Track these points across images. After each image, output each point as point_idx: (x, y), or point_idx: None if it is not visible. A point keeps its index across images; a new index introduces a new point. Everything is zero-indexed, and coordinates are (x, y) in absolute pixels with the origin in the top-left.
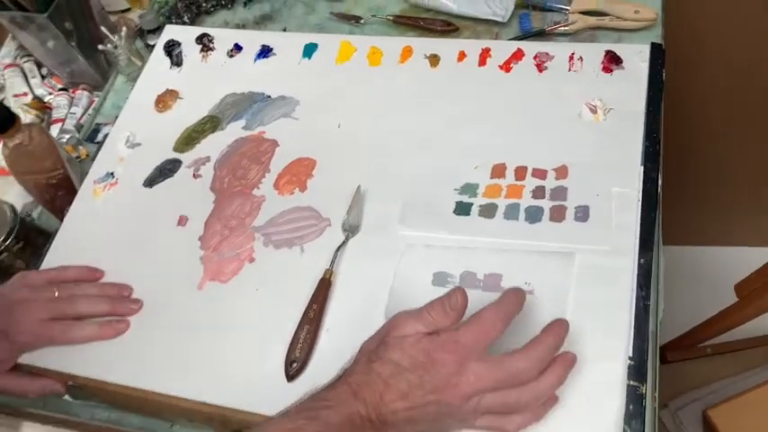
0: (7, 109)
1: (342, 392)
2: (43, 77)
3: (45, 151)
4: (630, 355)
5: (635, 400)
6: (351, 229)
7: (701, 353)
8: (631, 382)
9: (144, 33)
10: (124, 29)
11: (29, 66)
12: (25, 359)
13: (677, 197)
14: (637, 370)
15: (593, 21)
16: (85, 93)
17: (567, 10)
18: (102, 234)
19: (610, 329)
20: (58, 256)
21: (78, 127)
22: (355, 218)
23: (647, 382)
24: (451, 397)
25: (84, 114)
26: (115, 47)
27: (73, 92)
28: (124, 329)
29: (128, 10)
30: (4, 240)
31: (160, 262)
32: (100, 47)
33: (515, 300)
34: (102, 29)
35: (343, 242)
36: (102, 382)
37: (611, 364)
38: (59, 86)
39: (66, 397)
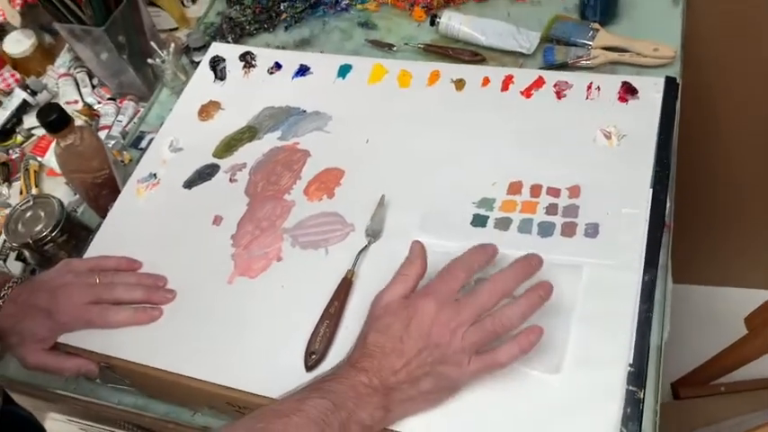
0: (63, 111)
1: (343, 368)
2: (93, 87)
3: (93, 152)
4: (631, 362)
5: (633, 403)
6: (373, 234)
7: (715, 390)
8: (630, 387)
9: (190, 51)
10: (172, 45)
11: (81, 76)
12: (63, 339)
13: (691, 237)
14: (636, 376)
15: (614, 56)
16: (132, 103)
17: (589, 45)
18: (142, 229)
19: (612, 338)
20: (99, 248)
21: (123, 134)
22: (378, 224)
23: (645, 388)
24: (437, 335)
25: (129, 122)
26: (163, 61)
27: (120, 102)
28: (158, 316)
29: (175, 29)
30: (51, 231)
31: (194, 257)
32: (149, 60)
33: (479, 254)
34: (152, 44)
35: (366, 246)
36: (134, 363)
37: (612, 370)
38: (108, 96)
39: (97, 381)
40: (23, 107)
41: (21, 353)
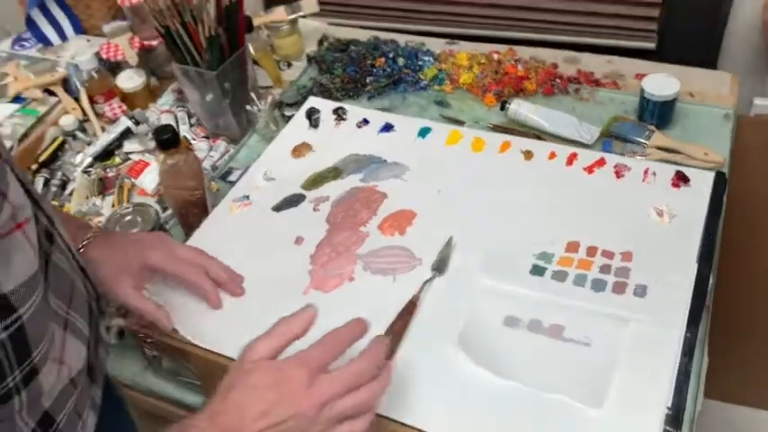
0: (176, 133)
1: (201, 419)
2: (191, 125)
3: (193, 174)
4: (669, 405)
5: None
6: (438, 269)
7: None
8: (667, 428)
9: (282, 105)
10: (269, 98)
11: (181, 114)
12: None
13: (725, 356)
14: (673, 419)
15: (666, 156)
16: (224, 143)
17: (645, 144)
18: (231, 240)
19: (653, 383)
20: None
21: (213, 167)
22: (444, 261)
23: (681, 430)
24: (308, 407)
25: (220, 159)
26: (258, 110)
27: (213, 141)
28: (219, 305)
29: (270, 87)
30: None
31: (275, 269)
32: (247, 107)
33: (355, 329)
34: (252, 95)
35: (431, 278)
36: (210, 352)
37: (651, 410)
38: (202, 135)
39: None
40: (126, 134)
41: (112, 286)
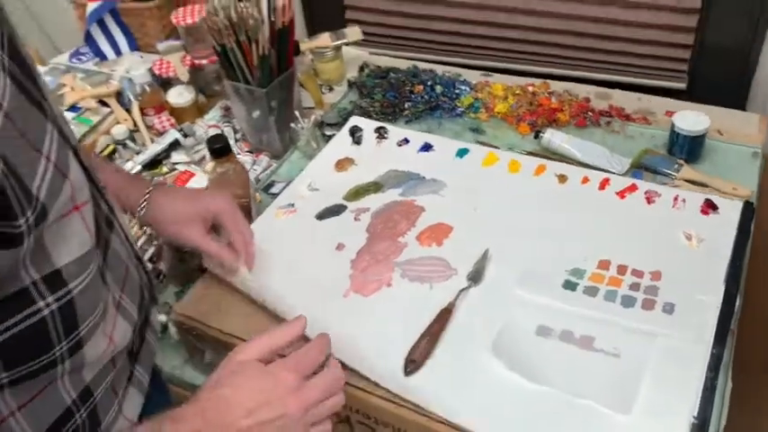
0: (228, 143)
1: (189, 410)
2: (236, 141)
3: (240, 182)
4: (695, 414)
5: None
6: (474, 279)
7: None
8: None
9: (323, 125)
10: (312, 117)
11: (227, 129)
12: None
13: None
14: (699, 428)
15: (694, 189)
16: (266, 158)
17: (674, 176)
18: (275, 244)
19: (679, 394)
20: None
21: (256, 180)
22: (479, 272)
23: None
24: (295, 410)
25: (262, 172)
26: (302, 128)
27: (256, 155)
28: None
29: (312, 108)
30: None
31: (317, 273)
32: (291, 125)
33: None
34: (296, 113)
35: (466, 287)
36: None
37: (677, 418)
38: (246, 149)
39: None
40: (174, 145)
41: (182, 230)
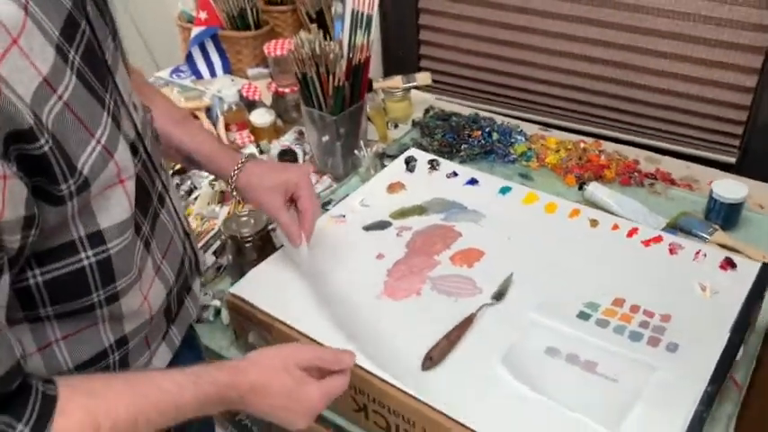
0: (296, 156)
1: (229, 386)
2: (304, 161)
3: None
4: None
5: None
6: (497, 298)
7: None
8: None
9: (384, 156)
10: (375, 147)
11: (298, 150)
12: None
13: None
14: None
15: (726, 253)
16: (328, 179)
17: (707, 239)
18: (324, 246)
19: (668, 422)
20: (283, 255)
21: (317, 196)
22: (502, 292)
23: None
24: (302, 425)
25: (322, 191)
26: (364, 156)
27: (320, 176)
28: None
29: (377, 141)
30: (256, 234)
31: (357, 275)
32: (355, 152)
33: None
34: (361, 142)
35: (489, 303)
36: (293, 329)
37: None
38: (312, 170)
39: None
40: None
41: (266, 198)
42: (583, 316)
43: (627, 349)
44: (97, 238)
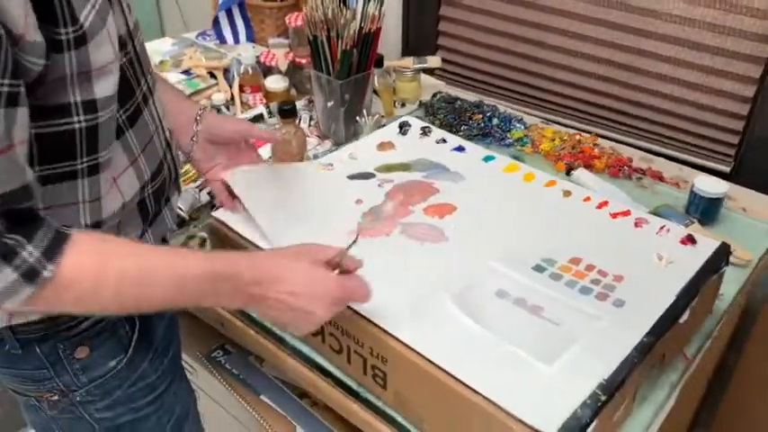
0: (295, 107)
1: (247, 256)
2: (309, 126)
3: (298, 142)
4: (606, 378)
5: (594, 398)
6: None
7: None
8: (597, 391)
9: (384, 126)
10: (376, 116)
11: (305, 116)
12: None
13: None
14: (605, 388)
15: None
16: (330, 143)
17: None
18: (308, 187)
19: (600, 361)
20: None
21: (315, 156)
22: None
23: (613, 398)
24: (321, 316)
25: (322, 153)
26: (365, 123)
27: (322, 140)
28: None
29: (382, 116)
30: None
31: (335, 214)
32: (357, 118)
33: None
34: (364, 111)
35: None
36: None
37: (591, 378)
38: (315, 134)
39: None
40: (259, 117)
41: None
42: (538, 269)
43: (574, 300)
44: (90, 106)
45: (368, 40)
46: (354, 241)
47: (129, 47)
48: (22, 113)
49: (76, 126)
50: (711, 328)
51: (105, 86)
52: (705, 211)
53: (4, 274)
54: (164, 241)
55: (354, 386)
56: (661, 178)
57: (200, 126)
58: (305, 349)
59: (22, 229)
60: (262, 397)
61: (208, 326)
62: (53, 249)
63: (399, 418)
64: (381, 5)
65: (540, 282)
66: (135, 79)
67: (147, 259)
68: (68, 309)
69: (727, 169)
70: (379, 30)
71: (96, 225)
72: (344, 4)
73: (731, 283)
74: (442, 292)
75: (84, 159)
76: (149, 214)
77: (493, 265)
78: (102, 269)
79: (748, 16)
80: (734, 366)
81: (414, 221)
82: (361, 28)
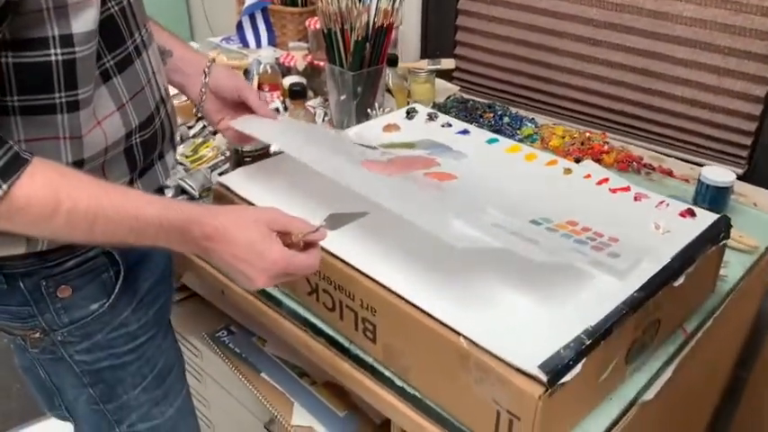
0: (305, 90)
1: (198, 211)
2: (323, 120)
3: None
4: (592, 324)
5: (577, 343)
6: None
7: None
8: (582, 336)
9: None
10: (387, 110)
11: (319, 111)
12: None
13: None
14: (590, 334)
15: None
16: None
17: None
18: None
19: (590, 312)
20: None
21: None
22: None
23: (597, 346)
24: (260, 284)
25: None
26: (376, 116)
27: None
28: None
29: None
30: (256, 151)
31: (337, 157)
32: (368, 110)
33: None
34: (376, 104)
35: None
36: None
37: (578, 324)
38: (329, 127)
39: None
40: (275, 111)
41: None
42: (535, 222)
43: (573, 252)
44: (67, 40)
45: (381, 34)
46: (317, 229)
47: None
48: None
49: (53, 59)
50: (714, 306)
51: (82, 22)
52: (713, 200)
53: None
54: (159, 192)
55: (346, 344)
56: (671, 174)
57: (207, 78)
58: (300, 310)
59: None
60: (263, 375)
61: (213, 307)
62: (9, 169)
63: (387, 373)
64: (394, 2)
65: (537, 230)
66: (127, 29)
67: (101, 196)
68: (22, 230)
69: (740, 171)
70: (391, 25)
71: (79, 164)
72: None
73: (736, 266)
74: (441, 216)
75: (63, 94)
76: (137, 164)
77: (491, 210)
78: (55, 198)
79: (759, 15)
80: (747, 378)
81: (414, 176)
82: (374, 22)
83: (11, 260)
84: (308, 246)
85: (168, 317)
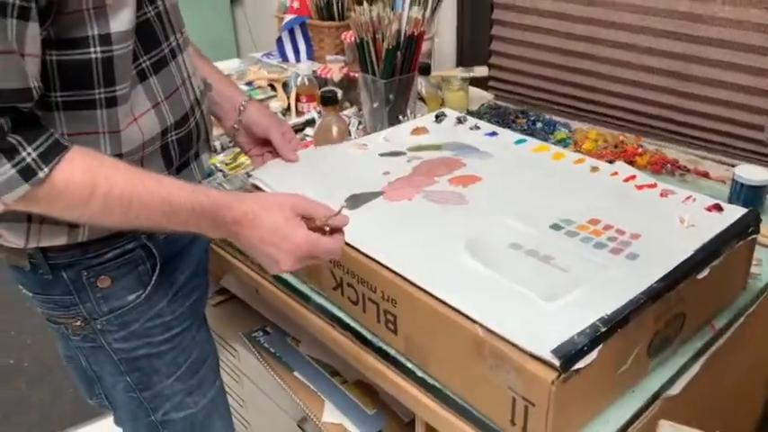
0: (337, 96)
1: (228, 197)
2: (357, 128)
3: (339, 129)
4: (608, 313)
5: (593, 329)
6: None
7: None
8: (597, 322)
9: None
10: (418, 115)
11: (354, 120)
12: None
13: None
14: (605, 321)
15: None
16: None
17: None
18: (340, 160)
19: (605, 299)
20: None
21: None
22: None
23: (614, 335)
24: (285, 266)
25: None
26: (408, 122)
27: None
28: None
29: None
30: None
31: (364, 182)
32: (399, 117)
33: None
34: (408, 110)
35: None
36: None
37: (592, 312)
38: (362, 135)
39: None
40: (311, 122)
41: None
42: (555, 227)
43: (587, 252)
44: (106, 39)
45: (412, 43)
46: (339, 211)
47: (159, 2)
48: (33, 28)
49: (93, 56)
50: (746, 304)
51: (119, 22)
52: (748, 199)
53: (5, 169)
54: None
55: (369, 336)
56: (707, 175)
57: (241, 116)
58: (327, 305)
59: (25, 131)
60: (295, 374)
61: (250, 309)
62: (50, 154)
63: (409, 365)
64: (425, 10)
65: (556, 237)
66: (163, 32)
67: (136, 182)
68: (60, 213)
69: None
70: (422, 33)
71: (117, 158)
72: (392, 9)
73: None
74: (455, 242)
75: (102, 90)
76: (173, 161)
77: (510, 222)
78: (92, 182)
79: None
80: None
81: (438, 189)
82: (405, 31)
83: (54, 252)
84: (334, 231)
85: (203, 310)
